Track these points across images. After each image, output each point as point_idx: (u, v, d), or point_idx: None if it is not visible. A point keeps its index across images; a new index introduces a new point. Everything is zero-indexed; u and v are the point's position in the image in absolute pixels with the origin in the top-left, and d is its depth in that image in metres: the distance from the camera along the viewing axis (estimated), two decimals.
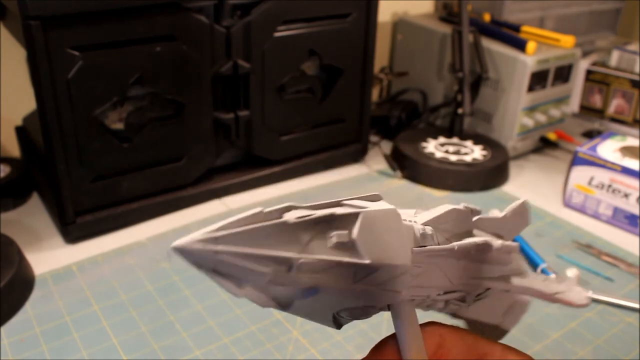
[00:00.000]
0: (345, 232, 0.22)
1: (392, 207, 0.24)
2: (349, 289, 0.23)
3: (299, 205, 0.22)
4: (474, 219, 0.28)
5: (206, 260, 0.19)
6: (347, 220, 0.22)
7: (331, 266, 0.22)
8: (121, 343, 0.50)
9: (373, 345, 0.25)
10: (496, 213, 0.30)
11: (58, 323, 0.52)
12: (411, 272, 0.24)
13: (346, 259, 0.22)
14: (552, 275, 0.31)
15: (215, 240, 0.19)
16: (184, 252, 0.19)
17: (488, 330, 0.34)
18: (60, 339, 0.51)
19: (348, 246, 0.22)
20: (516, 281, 0.29)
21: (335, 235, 0.22)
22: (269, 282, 0.21)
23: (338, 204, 0.23)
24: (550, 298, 0.29)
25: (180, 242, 0.19)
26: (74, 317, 0.53)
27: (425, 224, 0.25)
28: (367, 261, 0.22)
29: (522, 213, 0.31)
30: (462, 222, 0.27)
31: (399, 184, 0.80)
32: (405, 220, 0.25)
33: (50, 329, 0.52)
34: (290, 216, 0.21)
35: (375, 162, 0.85)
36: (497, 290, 0.30)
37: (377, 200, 0.24)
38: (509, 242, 0.28)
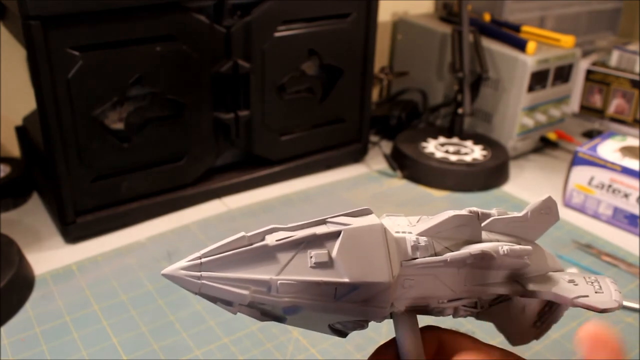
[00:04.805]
0: (324, 251, 0.22)
1: (378, 222, 0.24)
2: (332, 307, 0.23)
3: (282, 227, 0.23)
4: (485, 222, 0.27)
5: (191, 285, 0.21)
6: (329, 239, 0.23)
7: (310, 286, 0.22)
8: (121, 343, 0.50)
9: (373, 345, 0.25)
10: (515, 212, 0.29)
11: (58, 323, 0.52)
12: (402, 285, 0.24)
13: (324, 278, 0.22)
14: (582, 275, 0.29)
15: (198, 266, 0.21)
16: (171, 279, 0.21)
17: (522, 331, 0.33)
18: (60, 339, 0.51)
19: (328, 265, 0.22)
20: (531, 285, 0.27)
21: (314, 255, 0.22)
22: (250, 303, 0.22)
23: (323, 222, 0.23)
24: (569, 302, 0.27)
25: (167, 269, 0.21)
26: (74, 317, 0.53)
27: (422, 233, 0.25)
28: (346, 280, 0.22)
29: (548, 209, 0.30)
30: (467, 228, 0.26)
31: (399, 184, 0.80)
32: (398, 232, 0.25)
33: (50, 329, 0.52)
34: (272, 239, 0.22)
35: (375, 162, 0.85)
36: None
37: (366, 214, 0.24)
38: (518, 246, 0.26)
